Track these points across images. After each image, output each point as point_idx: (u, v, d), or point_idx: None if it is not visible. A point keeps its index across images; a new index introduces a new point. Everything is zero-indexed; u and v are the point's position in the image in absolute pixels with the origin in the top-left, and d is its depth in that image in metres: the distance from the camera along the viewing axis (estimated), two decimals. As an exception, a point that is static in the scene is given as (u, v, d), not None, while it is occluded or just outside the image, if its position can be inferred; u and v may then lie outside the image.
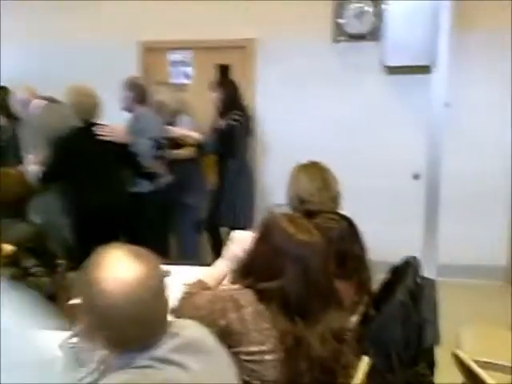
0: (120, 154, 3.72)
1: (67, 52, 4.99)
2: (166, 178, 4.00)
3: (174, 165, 4.08)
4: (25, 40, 5.06)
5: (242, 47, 4.69)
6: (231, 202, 4.16)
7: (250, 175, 4.36)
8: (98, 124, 3.68)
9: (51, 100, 4.20)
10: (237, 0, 4.59)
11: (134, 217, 3.80)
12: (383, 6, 4.10)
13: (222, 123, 4.14)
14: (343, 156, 4.57)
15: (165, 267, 1.28)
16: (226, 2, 4.61)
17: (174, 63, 4.91)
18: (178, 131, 4.14)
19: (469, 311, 3.70)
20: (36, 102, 4.06)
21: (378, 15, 4.26)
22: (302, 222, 1.59)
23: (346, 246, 2.03)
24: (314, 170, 2.50)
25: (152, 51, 4.92)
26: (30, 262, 2.38)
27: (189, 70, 4.89)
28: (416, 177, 4.45)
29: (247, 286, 1.52)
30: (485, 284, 4.24)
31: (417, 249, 3.73)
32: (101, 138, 3.62)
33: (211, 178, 4.38)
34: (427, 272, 3.81)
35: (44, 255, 2.51)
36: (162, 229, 4.00)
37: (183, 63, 4.89)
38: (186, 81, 4.86)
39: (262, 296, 1.47)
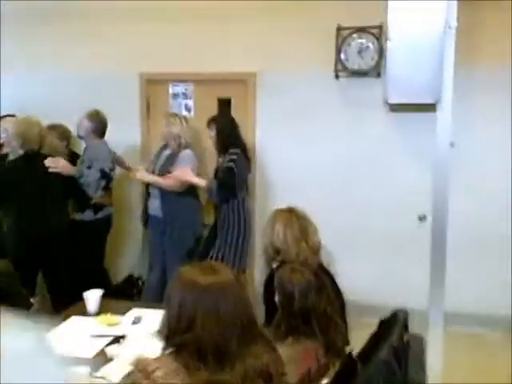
0: (65, 184, 3.89)
1: (70, 82, 4.96)
2: (110, 209, 4.28)
3: (166, 198, 4.01)
4: (26, 69, 5.07)
5: (243, 80, 4.61)
6: (218, 247, 3.98)
7: (245, 217, 4.08)
8: (42, 154, 3.81)
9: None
10: (238, 33, 4.54)
11: (72, 244, 3.95)
12: (385, 43, 3.99)
13: (219, 164, 4.01)
14: (344, 193, 4.45)
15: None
16: (227, 35, 4.57)
17: (175, 95, 4.85)
18: (188, 177, 3.94)
19: (474, 363, 3.53)
20: None
21: (381, 52, 4.16)
22: (206, 265, 1.55)
23: (309, 302, 1.86)
24: (291, 218, 2.36)
25: (153, 83, 4.86)
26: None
27: (189, 102, 4.82)
28: (422, 218, 4.27)
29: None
30: (494, 334, 4.01)
31: (422, 294, 3.55)
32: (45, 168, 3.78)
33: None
34: (433, 320, 3.66)
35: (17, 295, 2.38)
36: (99, 258, 4.28)
37: (184, 96, 4.82)
38: (186, 113, 4.78)
39: (180, 353, 1.37)
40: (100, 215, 4.18)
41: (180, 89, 4.82)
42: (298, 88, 4.48)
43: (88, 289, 2.74)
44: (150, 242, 4.36)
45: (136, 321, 2.48)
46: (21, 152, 3.79)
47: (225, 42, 4.59)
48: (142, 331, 2.33)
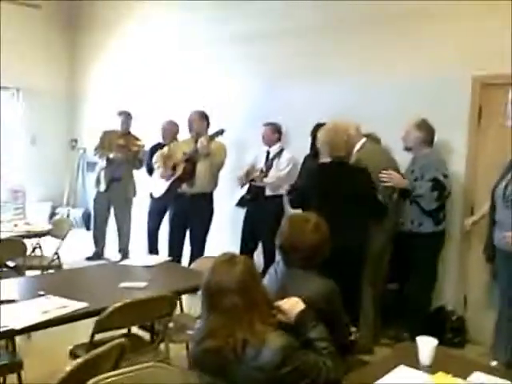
0: (368, 196, 3.62)
1: (392, 87, 4.66)
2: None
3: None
4: (345, 74, 4.96)
5: None
6: None
7: None
8: (347, 163, 3.70)
9: (372, 138, 4.26)
10: None
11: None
12: None
13: None
14: None
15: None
16: None
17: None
18: None
19: None
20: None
21: None
22: None
23: None
24: None
25: (489, 87, 4.17)
26: (316, 333, 1.88)
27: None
28: None
29: None
30: None
31: None
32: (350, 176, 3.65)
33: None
34: None
35: (335, 324, 2.01)
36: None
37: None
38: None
39: None
40: (439, 227, 3.99)
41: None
42: None
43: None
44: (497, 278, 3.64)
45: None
46: (328, 159, 3.75)
47: None
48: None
